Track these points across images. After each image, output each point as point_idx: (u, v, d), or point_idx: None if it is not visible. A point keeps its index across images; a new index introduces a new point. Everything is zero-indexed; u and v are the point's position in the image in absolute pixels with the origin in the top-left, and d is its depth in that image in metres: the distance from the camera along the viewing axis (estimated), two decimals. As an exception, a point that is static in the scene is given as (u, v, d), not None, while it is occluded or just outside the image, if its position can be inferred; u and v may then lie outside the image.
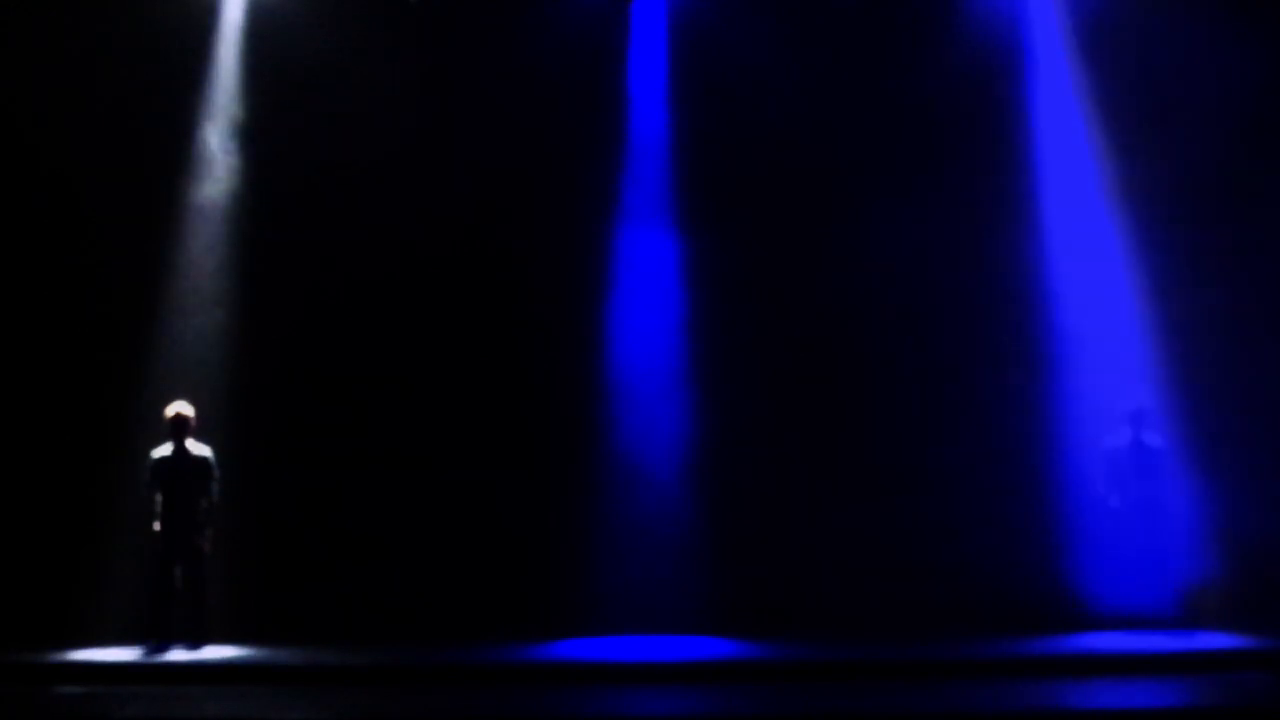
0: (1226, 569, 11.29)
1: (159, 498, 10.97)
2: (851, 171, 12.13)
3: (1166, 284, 11.75)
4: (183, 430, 11.01)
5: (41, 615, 11.20)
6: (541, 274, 12.12)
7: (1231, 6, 11.78)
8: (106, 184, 11.74)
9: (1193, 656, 10.14)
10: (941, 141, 12.07)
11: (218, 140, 12.07)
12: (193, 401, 11.11)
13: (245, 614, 11.29)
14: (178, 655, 10.45)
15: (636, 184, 12.22)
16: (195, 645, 10.68)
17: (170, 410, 11.01)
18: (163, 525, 10.92)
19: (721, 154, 12.24)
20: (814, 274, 12.12)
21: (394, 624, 11.42)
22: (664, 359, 12.06)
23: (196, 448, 11.05)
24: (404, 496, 11.82)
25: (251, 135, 12.08)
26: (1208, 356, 11.58)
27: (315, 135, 11.96)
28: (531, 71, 12.12)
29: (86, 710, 9.06)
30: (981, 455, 11.75)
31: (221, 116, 12.06)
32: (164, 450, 11.02)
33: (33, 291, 11.86)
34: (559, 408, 12.03)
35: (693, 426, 11.96)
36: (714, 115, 12.25)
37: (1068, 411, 11.80)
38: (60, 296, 11.83)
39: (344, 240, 11.97)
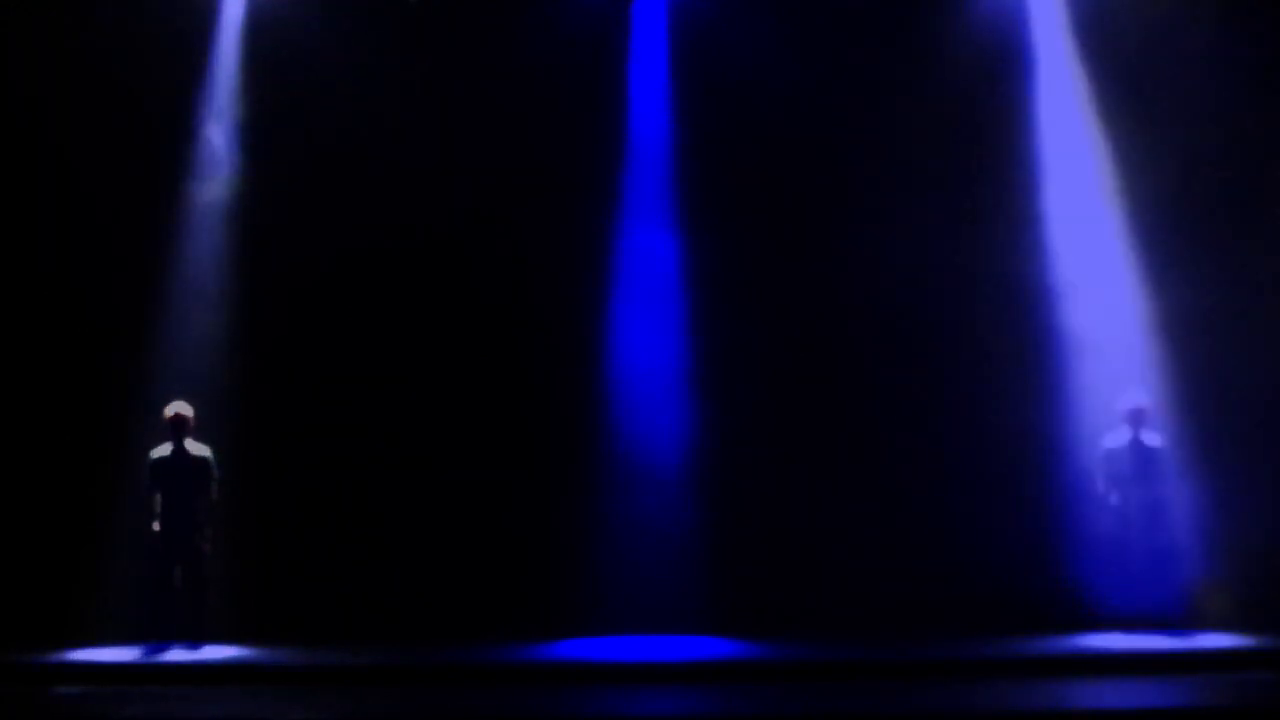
0: (1227, 568, 11.28)
1: (159, 498, 10.97)
2: (852, 171, 12.13)
3: (1167, 284, 11.73)
4: (182, 430, 11.01)
5: (41, 615, 11.19)
6: (541, 274, 12.12)
7: (1233, 5, 11.77)
8: (107, 183, 11.73)
9: (1194, 656, 10.13)
10: (942, 141, 12.04)
11: (219, 139, 12.07)
12: (193, 401, 11.12)
13: (245, 614, 11.29)
14: (178, 655, 10.44)
15: (636, 184, 12.21)
16: (195, 645, 10.68)
17: (170, 410, 11.02)
18: (163, 525, 10.92)
19: (722, 154, 12.23)
20: (814, 274, 12.11)
21: (394, 624, 11.42)
22: (664, 359, 12.05)
23: (196, 448, 11.05)
24: (404, 496, 11.82)
25: (252, 134, 12.08)
26: (1208, 356, 11.56)
27: (315, 135, 11.95)
28: (531, 71, 12.12)
29: (86, 710, 9.05)
30: (982, 455, 11.74)
31: (222, 116, 12.07)
32: (163, 450, 11.02)
33: (33, 291, 11.85)
34: (559, 408, 12.03)
35: (693, 426, 11.96)
36: (714, 115, 12.24)
37: (1068, 411, 11.79)
38: (61, 296, 11.82)
39: (344, 240, 11.95)
